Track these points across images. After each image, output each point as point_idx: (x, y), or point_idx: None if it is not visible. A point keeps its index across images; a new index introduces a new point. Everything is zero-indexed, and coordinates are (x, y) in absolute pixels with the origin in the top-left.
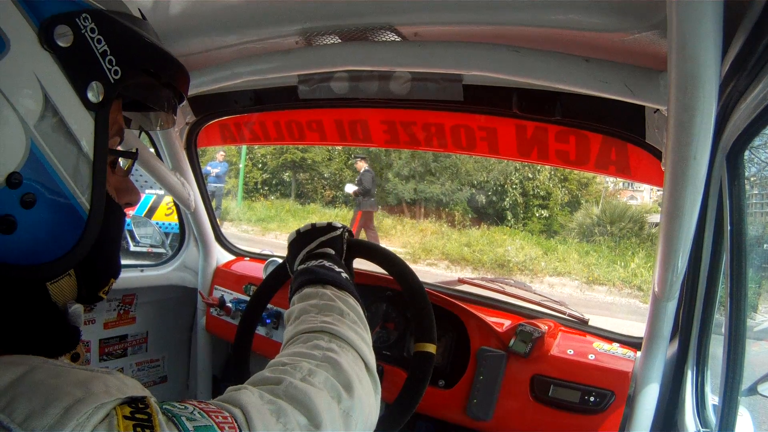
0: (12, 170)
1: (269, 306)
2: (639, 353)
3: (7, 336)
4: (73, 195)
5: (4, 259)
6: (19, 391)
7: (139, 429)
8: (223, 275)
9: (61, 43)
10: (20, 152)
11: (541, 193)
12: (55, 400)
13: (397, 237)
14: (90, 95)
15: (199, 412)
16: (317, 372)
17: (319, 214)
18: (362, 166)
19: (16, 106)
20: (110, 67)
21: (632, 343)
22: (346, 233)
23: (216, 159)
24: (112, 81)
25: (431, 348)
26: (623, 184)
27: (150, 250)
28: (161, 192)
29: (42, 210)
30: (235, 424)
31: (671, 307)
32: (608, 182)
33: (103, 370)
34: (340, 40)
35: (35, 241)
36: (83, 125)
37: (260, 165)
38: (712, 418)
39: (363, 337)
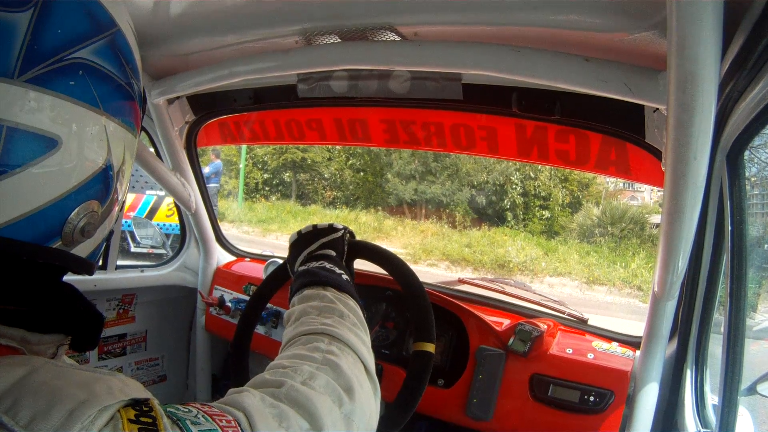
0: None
1: (269, 305)
2: (638, 352)
3: (59, 318)
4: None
5: (92, 257)
6: (23, 393)
7: None
8: (223, 275)
9: None
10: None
11: (542, 194)
12: (58, 402)
13: (398, 238)
14: None
15: (203, 416)
16: (318, 375)
17: (320, 216)
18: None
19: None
20: None
21: (631, 342)
22: (347, 234)
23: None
24: None
25: (430, 347)
26: (624, 184)
27: (151, 251)
28: (162, 193)
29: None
30: (239, 428)
31: (671, 306)
32: (609, 183)
33: (104, 371)
34: (339, 40)
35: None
36: None
37: (260, 165)
38: (712, 417)
39: (363, 340)
